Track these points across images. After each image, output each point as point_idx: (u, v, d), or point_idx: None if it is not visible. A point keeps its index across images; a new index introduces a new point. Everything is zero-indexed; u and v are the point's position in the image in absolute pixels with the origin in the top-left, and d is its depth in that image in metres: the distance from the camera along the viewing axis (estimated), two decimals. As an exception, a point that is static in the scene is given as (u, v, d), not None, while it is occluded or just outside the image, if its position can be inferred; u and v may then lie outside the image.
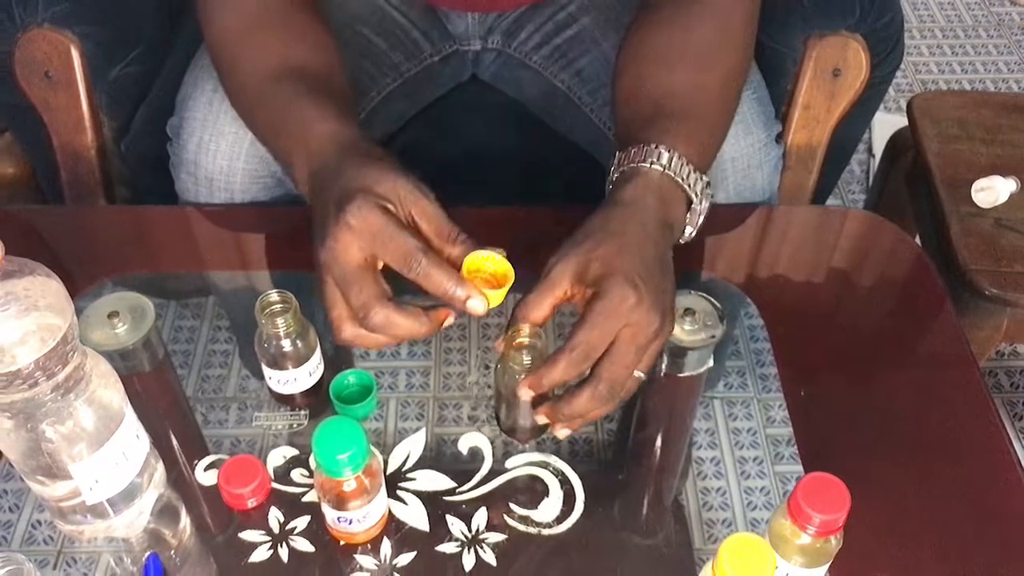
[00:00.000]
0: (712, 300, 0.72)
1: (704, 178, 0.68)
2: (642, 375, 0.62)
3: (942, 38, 2.12)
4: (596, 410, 0.61)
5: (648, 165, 0.66)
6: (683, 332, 0.70)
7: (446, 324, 0.63)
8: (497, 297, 0.61)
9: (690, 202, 0.68)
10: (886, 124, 1.55)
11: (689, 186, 0.67)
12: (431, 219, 0.61)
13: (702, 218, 0.69)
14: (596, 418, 0.63)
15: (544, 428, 0.69)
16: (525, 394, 0.61)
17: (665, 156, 0.66)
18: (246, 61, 0.74)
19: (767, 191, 0.89)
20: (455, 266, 0.60)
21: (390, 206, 0.60)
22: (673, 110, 0.71)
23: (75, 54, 0.91)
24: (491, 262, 0.61)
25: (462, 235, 0.61)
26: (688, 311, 0.70)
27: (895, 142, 1.26)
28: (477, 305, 0.59)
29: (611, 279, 0.60)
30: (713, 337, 0.70)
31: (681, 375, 0.72)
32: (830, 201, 1.18)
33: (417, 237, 0.59)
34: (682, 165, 0.66)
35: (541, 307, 0.61)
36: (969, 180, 1.06)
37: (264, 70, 0.72)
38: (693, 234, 0.70)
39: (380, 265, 0.61)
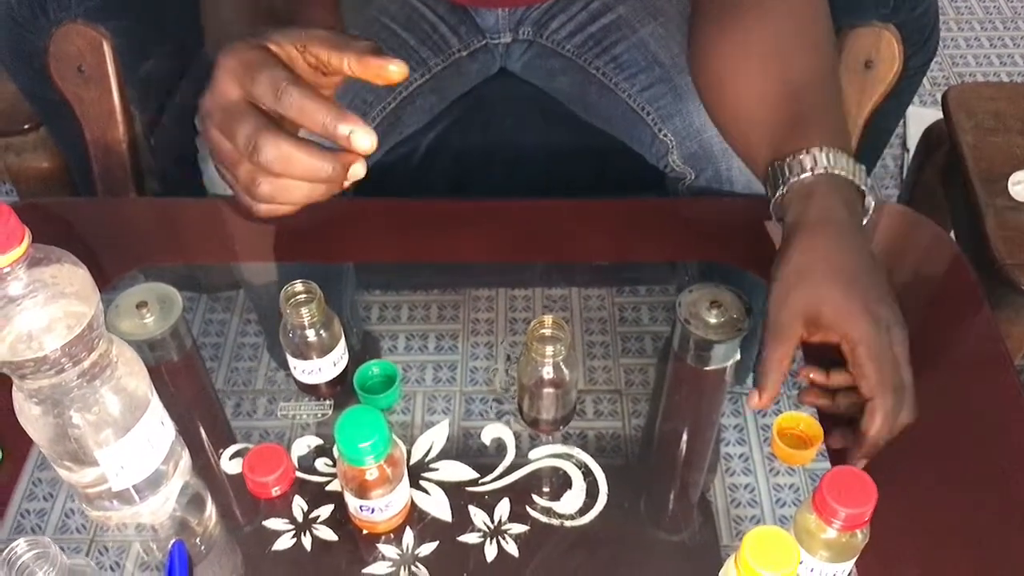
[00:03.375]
0: (739, 293, 0.71)
1: (860, 164, 0.67)
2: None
3: (980, 30, 2.08)
4: (894, 427, 0.61)
5: (812, 174, 0.65)
6: (709, 325, 0.69)
7: (354, 174, 0.54)
8: (805, 457, 0.65)
9: (860, 190, 0.66)
10: (921, 118, 1.53)
11: (855, 176, 0.66)
12: (322, 40, 0.55)
13: (872, 204, 0.68)
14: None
15: (567, 420, 0.68)
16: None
17: (823, 157, 0.65)
18: None
19: None
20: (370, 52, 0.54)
21: (272, 46, 0.55)
22: (802, 106, 0.70)
23: (107, 49, 0.93)
24: (802, 422, 0.65)
25: (360, 43, 0.54)
26: (715, 304, 0.70)
27: (930, 136, 1.24)
28: (362, 141, 0.52)
29: (854, 325, 0.60)
30: (740, 330, 0.69)
31: (707, 368, 0.72)
32: (862, 195, 1.16)
33: (296, 72, 0.54)
34: (839, 157, 0.65)
35: (782, 362, 0.62)
36: (1005, 173, 1.04)
37: None
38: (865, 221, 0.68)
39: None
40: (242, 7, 0.66)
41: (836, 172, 0.65)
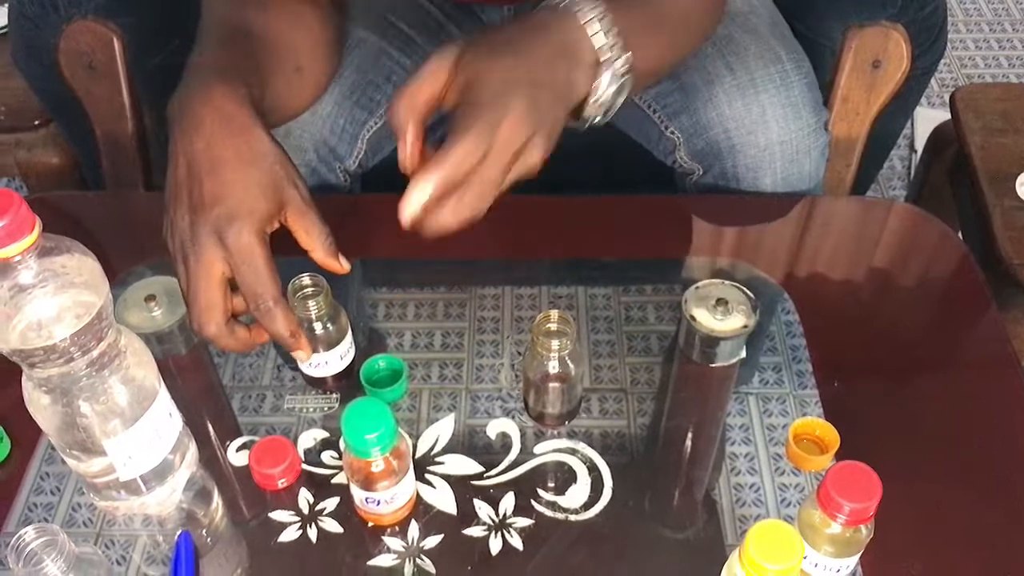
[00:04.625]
0: (745, 290, 0.71)
1: (626, 58, 0.64)
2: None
3: (988, 32, 2.07)
4: (458, 220, 0.61)
5: (560, 6, 0.64)
6: (715, 322, 0.69)
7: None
8: (821, 462, 0.66)
9: (596, 63, 0.64)
10: (930, 120, 1.52)
11: (603, 47, 0.63)
12: (313, 238, 0.65)
13: (609, 96, 0.65)
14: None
15: (572, 414, 0.69)
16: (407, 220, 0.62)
17: (589, 8, 0.63)
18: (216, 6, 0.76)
19: (814, 178, 0.88)
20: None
21: (268, 228, 0.63)
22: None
23: (117, 45, 0.93)
24: (819, 427, 0.66)
25: (343, 262, 0.66)
26: (720, 301, 0.70)
27: (937, 136, 1.24)
28: (300, 356, 0.65)
29: (480, 89, 0.60)
30: (745, 327, 0.69)
31: (713, 365, 0.72)
32: (870, 196, 1.16)
33: (275, 275, 0.62)
34: (603, 24, 0.63)
35: (415, 96, 0.63)
36: (1013, 173, 1.04)
37: (220, 16, 0.75)
38: (596, 119, 0.67)
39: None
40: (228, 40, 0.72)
41: (582, 23, 0.63)
